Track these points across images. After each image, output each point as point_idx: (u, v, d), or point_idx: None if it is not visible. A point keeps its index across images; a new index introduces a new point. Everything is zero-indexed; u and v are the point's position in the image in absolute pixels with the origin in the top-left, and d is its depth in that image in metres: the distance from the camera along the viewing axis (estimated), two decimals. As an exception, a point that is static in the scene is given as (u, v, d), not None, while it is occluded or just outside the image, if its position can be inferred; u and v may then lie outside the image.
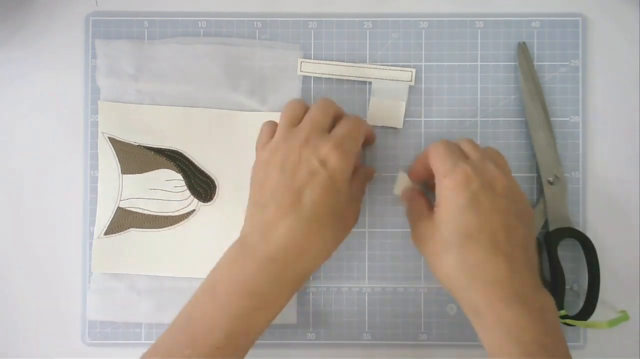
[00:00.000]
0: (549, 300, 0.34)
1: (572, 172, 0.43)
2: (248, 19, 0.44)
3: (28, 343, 0.44)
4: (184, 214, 0.43)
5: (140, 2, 0.44)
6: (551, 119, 0.43)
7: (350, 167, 0.36)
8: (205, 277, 0.36)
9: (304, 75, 0.43)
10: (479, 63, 0.43)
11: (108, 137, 0.43)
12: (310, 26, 0.44)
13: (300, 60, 0.43)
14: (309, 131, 0.36)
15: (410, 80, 0.43)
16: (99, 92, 0.43)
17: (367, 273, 0.43)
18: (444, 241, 0.35)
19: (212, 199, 0.43)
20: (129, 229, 0.43)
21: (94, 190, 0.43)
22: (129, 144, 0.43)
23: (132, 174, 0.43)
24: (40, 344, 0.44)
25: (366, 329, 0.43)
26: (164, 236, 0.43)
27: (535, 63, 0.43)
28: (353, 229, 0.43)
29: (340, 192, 0.35)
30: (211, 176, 0.43)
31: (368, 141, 0.42)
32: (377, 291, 0.43)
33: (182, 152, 0.43)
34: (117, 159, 0.43)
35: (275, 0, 0.44)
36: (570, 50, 0.43)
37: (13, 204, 0.44)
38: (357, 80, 0.43)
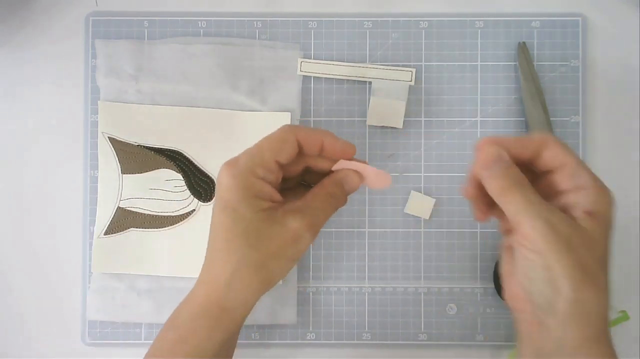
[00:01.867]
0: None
1: (572, 172, 0.43)
2: (248, 19, 0.44)
3: (28, 343, 0.44)
4: (184, 214, 0.43)
5: (140, 2, 0.44)
6: (551, 119, 0.43)
7: (242, 179, 0.32)
8: None
9: (304, 75, 0.43)
10: (479, 63, 0.43)
11: (108, 137, 0.43)
12: (310, 26, 0.44)
13: (300, 60, 0.43)
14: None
15: (410, 80, 0.43)
16: (99, 92, 0.43)
17: (367, 273, 0.43)
18: (597, 261, 0.29)
19: (212, 199, 0.43)
20: (129, 229, 0.43)
21: (94, 190, 0.43)
22: (129, 144, 0.43)
23: (132, 174, 0.43)
24: (40, 344, 0.44)
25: (366, 329, 0.43)
26: (164, 236, 0.43)
27: (535, 63, 0.43)
28: (353, 229, 0.43)
29: (237, 210, 0.32)
30: (211, 175, 0.43)
31: (305, 147, 0.34)
32: (377, 291, 0.43)
33: (182, 152, 0.43)
34: (117, 159, 0.43)
35: (275, 0, 0.44)
36: (570, 50, 0.43)
37: (13, 204, 0.44)
38: (357, 80, 0.43)
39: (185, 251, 0.43)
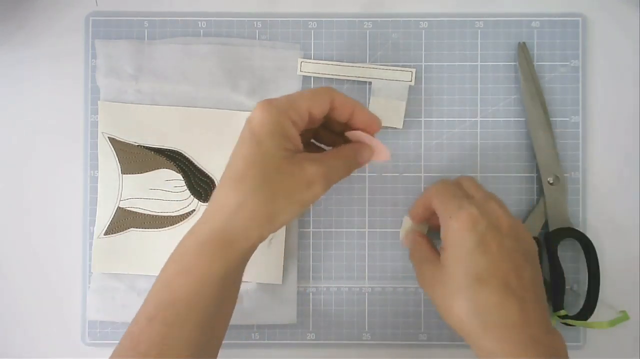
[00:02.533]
0: (561, 341, 0.34)
1: (572, 172, 0.43)
2: (248, 19, 0.44)
3: (28, 343, 0.44)
4: (184, 214, 0.43)
5: (140, 2, 0.44)
6: (551, 119, 0.43)
7: (281, 121, 0.33)
8: None
9: (304, 75, 0.43)
10: (479, 63, 0.43)
11: (108, 137, 0.43)
12: (310, 26, 0.44)
13: (300, 60, 0.43)
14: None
15: (410, 81, 0.43)
16: (99, 92, 0.43)
17: (367, 273, 0.43)
18: (454, 285, 0.34)
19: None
20: (129, 229, 0.43)
21: (94, 190, 0.43)
22: (129, 144, 0.43)
23: (132, 174, 0.43)
24: (40, 344, 0.44)
25: (366, 329, 0.43)
26: (164, 236, 0.43)
27: (535, 63, 0.43)
28: (353, 229, 0.43)
29: (265, 145, 0.32)
30: (211, 176, 0.43)
31: (343, 112, 0.36)
32: (377, 291, 0.43)
33: (182, 152, 0.43)
34: (117, 159, 0.43)
35: (275, 0, 0.44)
36: (570, 50, 0.43)
37: (13, 204, 0.44)
38: (357, 80, 0.43)
39: None
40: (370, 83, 0.43)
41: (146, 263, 0.43)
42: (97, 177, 0.43)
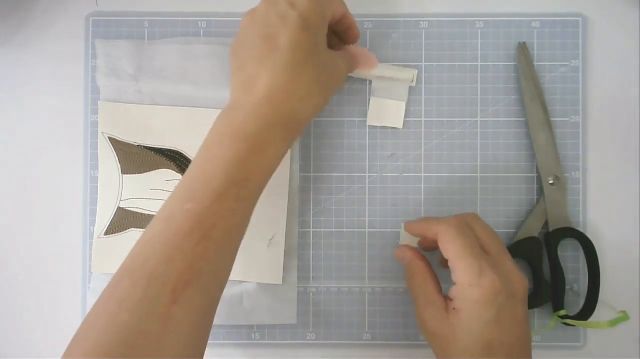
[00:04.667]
0: None
1: (572, 172, 0.43)
2: (248, 19, 0.44)
3: (28, 343, 0.44)
4: None
5: (140, 2, 0.44)
6: (551, 119, 0.43)
7: (323, 11, 0.35)
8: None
9: None
10: (479, 63, 0.43)
11: (108, 137, 0.43)
12: (310, 26, 0.44)
13: None
14: None
15: (412, 81, 0.43)
16: (99, 92, 0.43)
17: (367, 273, 0.43)
18: (462, 348, 0.34)
19: None
20: (129, 229, 0.43)
21: (94, 190, 0.43)
22: (129, 144, 0.43)
23: (132, 174, 0.43)
24: (40, 344, 0.44)
25: (366, 329, 0.43)
26: None
27: (535, 63, 0.43)
28: (353, 229, 0.43)
29: (317, 34, 0.34)
30: None
31: (349, 34, 0.40)
32: (377, 291, 0.43)
33: (182, 152, 0.43)
34: (117, 159, 0.43)
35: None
36: (570, 50, 0.43)
37: (13, 204, 0.44)
38: (358, 80, 0.43)
39: None
40: (370, 82, 0.43)
41: None
42: (97, 177, 0.43)
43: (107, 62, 0.43)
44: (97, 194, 0.43)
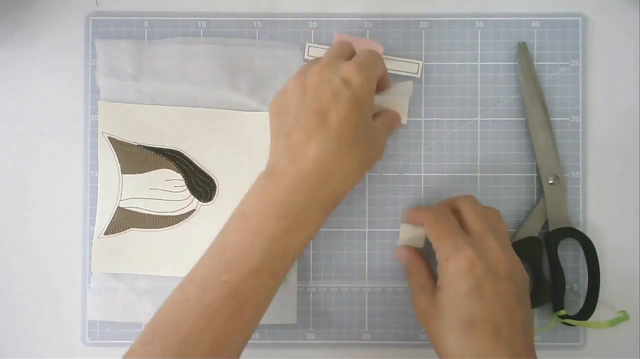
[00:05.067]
0: None
1: (572, 172, 0.43)
2: (248, 19, 0.44)
3: (28, 343, 0.44)
4: (184, 214, 0.43)
5: (140, 2, 0.44)
6: (551, 119, 0.43)
7: (373, 87, 0.36)
8: (234, 209, 0.35)
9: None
10: (479, 63, 0.43)
11: (108, 137, 0.43)
12: (310, 26, 0.44)
13: (308, 44, 0.43)
14: (327, 58, 0.36)
15: (417, 72, 0.43)
16: (99, 92, 0.43)
17: (367, 273, 0.43)
18: (447, 325, 0.35)
19: (212, 199, 0.43)
20: (129, 229, 0.43)
21: (94, 190, 0.43)
22: (129, 144, 0.43)
23: (132, 174, 0.43)
24: (40, 344, 0.44)
25: (366, 329, 0.43)
26: (164, 236, 0.43)
27: (535, 63, 0.43)
28: (353, 229, 0.43)
29: (365, 112, 0.35)
30: (211, 175, 0.43)
31: (382, 84, 0.41)
32: (377, 291, 0.43)
33: (182, 152, 0.43)
34: (117, 158, 0.43)
35: (275, 0, 0.44)
36: (570, 50, 0.43)
37: (13, 204, 0.44)
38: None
39: (186, 251, 0.43)
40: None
41: (146, 263, 0.43)
42: (97, 177, 0.43)
43: (107, 62, 0.43)
44: (97, 194, 0.43)
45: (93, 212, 0.43)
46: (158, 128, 0.43)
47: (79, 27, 0.44)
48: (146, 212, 0.43)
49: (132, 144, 0.43)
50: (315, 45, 0.43)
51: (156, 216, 0.43)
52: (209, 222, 0.43)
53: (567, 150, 0.43)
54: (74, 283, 0.44)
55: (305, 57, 0.43)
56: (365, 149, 0.35)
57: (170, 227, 0.43)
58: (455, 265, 0.35)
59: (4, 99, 0.44)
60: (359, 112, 0.34)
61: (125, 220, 0.43)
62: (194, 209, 0.43)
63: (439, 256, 0.36)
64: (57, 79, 0.44)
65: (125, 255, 0.43)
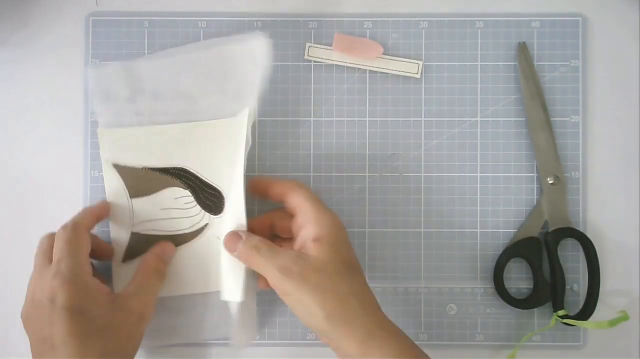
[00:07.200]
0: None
1: (572, 172, 0.43)
2: (248, 18, 0.44)
3: (28, 343, 0.44)
4: (197, 230, 0.42)
5: (140, 2, 0.44)
6: (551, 119, 0.43)
7: (81, 284, 0.35)
8: None
9: (312, 61, 0.43)
10: (479, 63, 0.43)
11: (112, 164, 0.42)
12: (310, 26, 0.44)
13: (308, 45, 0.43)
14: (34, 271, 0.38)
15: (417, 72, 0.43)
16: (97, 119, 0.43)
17: (368, 273, 0.43)
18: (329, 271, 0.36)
19: (222, 211, 0.42)
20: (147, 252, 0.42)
21: (94, 190, 0.43)
22: (135, 168, 0.42)
23: (141, 196, 0.42)
24: (40, 344, 0.44)
25: (366, 329, 0.43)
26: (180, 255, 0.42)
27: (535, 63, 0.43)
28: (353, 229, 0.43)
29: (84, 314, 0.35)
30: (218, 188, 0.42)
31: (102, 252, 0.41)
32: (378, 291, 0.43)
33: (187, 169, 0.42)
34: (124, 184, 0.42)
35: (275, 0, 0.44)
36: (570, 50, 0.43)
37: (13, 204, 0.44)
38: (358, 79, 0.43)
39: (209, 265, 0.42)
40: (369, 80, 0.43)
41: (170, 284, 0.42)
42: (97, 177, 0.43)
43: (101, 89, 0.42)
44: (97, 194, 0.43)
45: (93, 212, 0.43)
46: (160, 148, 0.42)
47: (79, 27, 0.44)
48: (161, 233, 0.42)
49: (138, 168, 0.42)
50: (316, 45, 0.43)
51: (171, 235, 0.42)
52: (222, 234, 0.40)
53: (567, 150, 0.43)
54: (74, 283, 0.44)
55: (305, 57, 0.43)
56: (104, 343, 0.35)
57: (185, 244, 0.42)
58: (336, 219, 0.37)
59: (4, 99, 0.44)
60: (81, 317, 0.34)
61: (141, 244, 0.42)
62: (207, 224, 0.42)
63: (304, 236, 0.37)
64: (57, 79, 0.44)
65: None
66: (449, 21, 0.43)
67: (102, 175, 0.43)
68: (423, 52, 0.43)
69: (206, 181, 0.42)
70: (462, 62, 0.43)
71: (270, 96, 0.43)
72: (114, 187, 0.42)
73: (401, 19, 0.44)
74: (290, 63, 0.44)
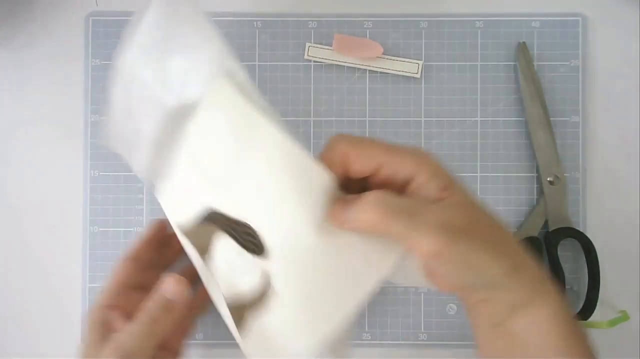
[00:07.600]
0: None
1: (572, 172, 0.43)
2: (248, 18, 0.44)
3: (28, 343, 0.44)
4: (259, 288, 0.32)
5: (140, 2, 0.44)
6: (551, 119, 0.43)
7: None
8: None
9: (311, 61, 0.43)
10: (479, 63, 0.43)
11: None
12: (310, 26, 0.44)
13: (308, 45, 0.43)
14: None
15: (417, 72, 0.43)
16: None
17: (367, 272, 0.43)
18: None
19: (263, 249, 0.30)
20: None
21: (94, 190, 0.43)
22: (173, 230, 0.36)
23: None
24: (41, 344, 0.44)
25: (366, 329, 0.43)
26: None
27: (535, 63, 0.43)
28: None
29: None
30: (244, 222, 0.31)
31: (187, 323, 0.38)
32: (377, 291, 0.43)
33: (215, 209, 0.32)
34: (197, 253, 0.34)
35: (276, 0, 0.44)
36: (570, 50, 0.43)
37: (13, 205, 0.44)
38: (358, 79, 0.43)
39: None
40: (369, 80, 0.43)
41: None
42: (97, 177, 0.43)
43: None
44: (97, 194, 0.43)
45: (93, 212, 0.43)
46: (184, 191, 0.34)
47: (79, 27, 0.44)
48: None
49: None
50: (315, 45, 0.43)
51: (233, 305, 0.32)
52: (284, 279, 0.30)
53: (567, 150, 0.43)
54: (74, 283, 0.44)
55: (305, 57, 0.43)
56: None
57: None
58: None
59: (4, 99, 0.44)
60: None
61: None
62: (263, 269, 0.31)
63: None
64: (57, 80, 0.44)
65: None
66: (449, 21, 0.43)
67: (102, 175, 0.43)
68: (423, 52, 0.43)
69: (230, 216, 0.31)
70: (462, 62, 0.43)
71: (270, 96, 0.43)
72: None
73: (401, 19, 0.44)
74: (290, 63, 0.44)
